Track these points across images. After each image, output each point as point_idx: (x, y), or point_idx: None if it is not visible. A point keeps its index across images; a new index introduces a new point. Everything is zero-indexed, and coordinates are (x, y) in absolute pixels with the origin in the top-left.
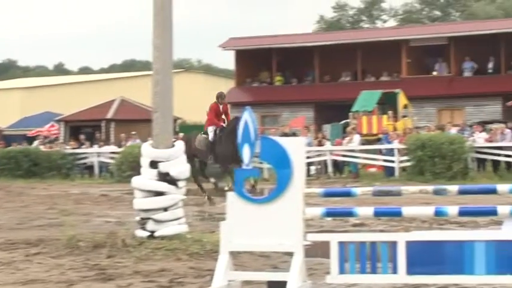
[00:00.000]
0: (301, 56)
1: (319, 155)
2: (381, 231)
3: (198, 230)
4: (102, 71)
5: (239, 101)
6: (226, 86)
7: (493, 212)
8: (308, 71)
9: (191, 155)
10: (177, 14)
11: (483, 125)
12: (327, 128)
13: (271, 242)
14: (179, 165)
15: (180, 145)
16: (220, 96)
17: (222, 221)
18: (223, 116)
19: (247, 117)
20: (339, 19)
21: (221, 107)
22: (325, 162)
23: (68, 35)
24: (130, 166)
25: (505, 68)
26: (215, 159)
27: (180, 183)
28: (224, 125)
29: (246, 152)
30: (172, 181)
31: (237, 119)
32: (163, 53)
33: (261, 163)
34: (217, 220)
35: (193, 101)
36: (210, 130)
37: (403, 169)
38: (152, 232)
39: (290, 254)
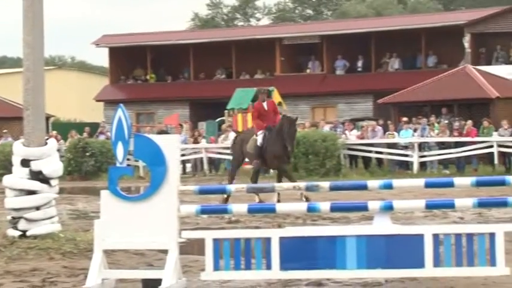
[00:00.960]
0: (176, 53)
1: (194, 153)
2: (256, 227)
3: (72, 229)
4: None
5: (113, 98)
6: (101, 83)
7: (364, 208)
8: (183, 68)
9: (242, 158)
10: (49, 9)
11: (354, 122)
12: (203, 126)
13: (146, 240)
14: (52, 164)
15: (53, 143)
16: (260, 92)
17: (96, 220)
18: (272, 116)
19: (121, 115)
20: (214, 17)
21: (265, 104)
22: (201, 159)
23: None
24: (1, 165)
25: (375, 66)
26: (261, 163)
27: (53, 182)
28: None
29: (119, 150)
30: (45, 180)
31: (285, 119)
32: (35, 50)
33: (136, 161)
34: (91, 218)
35: (67, 98)
36: (260, 133)
37: None
38: (24, 231)
39: (165, 252)
